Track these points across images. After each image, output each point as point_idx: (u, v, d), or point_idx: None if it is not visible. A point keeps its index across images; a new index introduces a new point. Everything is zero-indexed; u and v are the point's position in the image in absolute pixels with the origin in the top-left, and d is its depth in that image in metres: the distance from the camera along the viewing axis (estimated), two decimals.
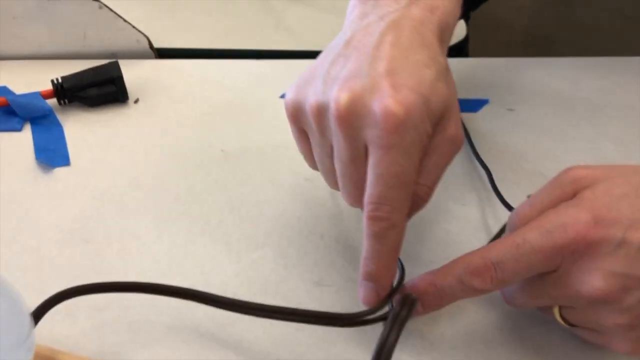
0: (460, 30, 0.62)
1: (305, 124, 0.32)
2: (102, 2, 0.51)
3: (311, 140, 0.32)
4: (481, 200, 0.42)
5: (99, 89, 0.47)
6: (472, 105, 0.51)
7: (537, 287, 0.29)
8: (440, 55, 0.31)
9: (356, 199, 0.31)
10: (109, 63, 0.48)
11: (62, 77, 0.47)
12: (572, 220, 0.27)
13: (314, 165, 0.34)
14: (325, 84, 0.30)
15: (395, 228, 0.29)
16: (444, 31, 0.32)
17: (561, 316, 0.29)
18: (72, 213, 0.39)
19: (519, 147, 0.47)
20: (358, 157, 0.29)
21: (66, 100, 0.47)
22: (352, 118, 0.28)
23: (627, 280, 0.26)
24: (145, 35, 0.54)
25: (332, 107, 0.28)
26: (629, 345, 0.28)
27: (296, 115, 0.32)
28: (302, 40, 0.59)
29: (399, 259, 0.32)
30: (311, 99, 0.30)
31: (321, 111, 0.30)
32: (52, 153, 0.43)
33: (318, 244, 0.37)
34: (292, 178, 0.42)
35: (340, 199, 0.40)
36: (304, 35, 0.60)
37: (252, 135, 0.46)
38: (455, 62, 0.56)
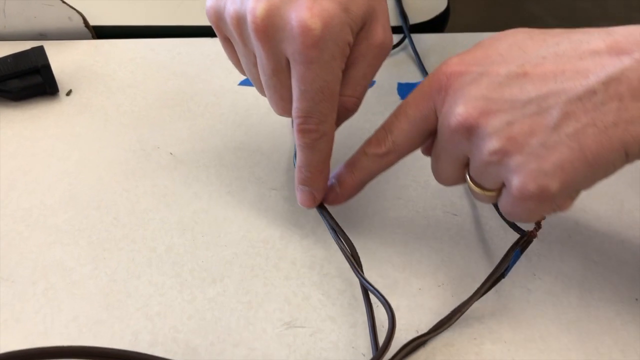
0: (440, 3, 0.55)
1: (228, 32, 0.30)
2: None
3: (236, 49, 0.31)
4: (474, 208, 0.36)
5: (22, 80, 0.40)
6: None
7: (434, 146, 0.30)
8: None
9: (284, 109, 0.31)
10: (34, 48, 0.40)
11: None
12: (437, 70, 0.28)
13: (243, 72, 0.33)
14: None
15: (324, 137, 0.30)
16: None
17: (471, 180, 0.29)
18: None
19: None
20: (280, 70, 0.29)
21: None
22: (270, 30, 0.27)
23: (489, 103, 0.26)
24: (78, 12, 0.46)
25: (249, 18, 0.28)
26: (523, 179, 0.25)
27: (217, 24, 0.31)
28: None
29: (389, 304, 0.27)
30: (229, 7, 0.29)
31: (240, 21, 0.29)
32: None
33: (289, 273, 0.32)
34: (256, 188, 0.36)
35: (314, 215, 0.34)
36: None
37: (207, 134, 0.39)
38: (434, 38, 0.50)
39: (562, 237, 0.34)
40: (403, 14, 0.51)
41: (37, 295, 0.30)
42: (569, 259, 0.33)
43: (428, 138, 0.30)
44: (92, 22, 0.47)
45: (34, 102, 0.40)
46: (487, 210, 0.35)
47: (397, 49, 0.49)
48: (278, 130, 0.40)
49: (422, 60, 0.47)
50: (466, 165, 0.29)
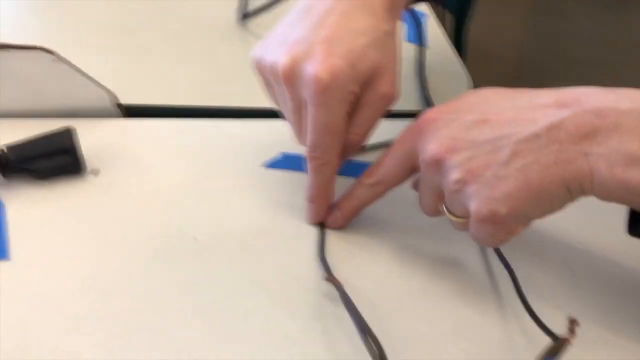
0: (462, 86, 0.56)
1: (267, 76, 0.38)
2: (58, 55, 0.44)
3: (274, 88, 0.38)
4: (502, 306, 0.35)
5: (51, 159, 0.40)
6: None
7: (418, 180, 0.36)
8: (383, 23, 0.37)
9: (301, 140, 0.38)
10: (63, 129, 0.41)
11: (8, 147, 0.39)
12: (419, 117, 0.35)
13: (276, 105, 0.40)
14: (278, 46, 0.36)
15: (327, 164, 0.37)
16: (395, 2, 0.38)
17: (446, 208, 0.34)
18: (5, 324, 0.31)
19: (538, 232, 0.40)
20: (300, 109, 0.37)
21: (10, 173, 0.40)
22: (292, 78, 0.35)
23: (455, 142, 0.32)
24: (110, 91, 0.47)
25: (277, 67, 0.35)
26: (477, 204, 0.31)
27: (259, 70, 0.38)
28: None
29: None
30: (267, 58, 0.37)
31: (274, 70, 0.36)
32: None
33: None
34: (278, 276, 0.35)
35: (338, 309, 0.33)
36: None
37: (232, 218, 0.39)
38: None
39: (593, 337, 0.33)
40: (427, 100, 0.52)
41: None
42: None
43: (411, 173, 0.36)
44: (123, 100, 0.48)
45: (61, 181, 0.41)
46: (512, 309, 0.34)
47: None
48: (302, 215, 0.40)
49: None
50: (442, 196, 0.34)
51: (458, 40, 1.15)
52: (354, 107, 0.37)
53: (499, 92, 0.33)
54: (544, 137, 0.30)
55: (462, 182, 0.31)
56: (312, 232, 0.39)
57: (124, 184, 0.41)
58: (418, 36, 0.58)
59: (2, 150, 0.39)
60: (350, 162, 0.41)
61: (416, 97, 0.54)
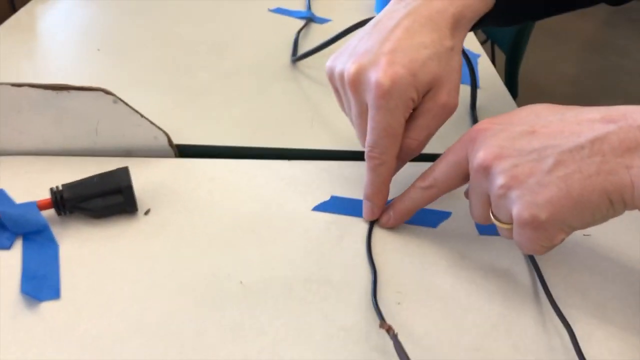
0: None
1: (337, 85, 0.42)
2: (117, 96, 0.45)
3: (342, 96, 0.43)
4: None
5: (105, 199, 0.41)
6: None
7: (469, 188, 0.37)
8: (446, 39, 0.40)
9: (362, 142, 0.41)
10: (118, 170, 0.42)
11: (63, 185, 0.41)
12: (471, 127, 0.37)
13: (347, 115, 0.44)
14: (348, 57, 0.40)
15: (384, 164, 0.40)
16: (459, 20, 0.41)
17: (493, 215, 0.36)
18: None
19: (604, 290, 0.38)
20: (363, 112, 0.40)
21: (66, 212, 0.41)
22: (357, 84, 0.39)
23: (503, 150, 0.33)
24: (164, 132, 0.48)
25: (345, 75, 0.40)
26: (520, 208, 0.32)
27: (330, 78, 0.43)
28: (340, 138, 0.52)
29: None
30: (338, 67, 0.41)
31: (341, 77, 0.41)
32: (40, 282, 0.36)
33: None
34: (324, 327, 0.34)
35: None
36: (342, 131, 0.53)
37: (278, 262, 0.39)
38: None
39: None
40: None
41: None
42: None
43: (462, 180, 0.38)
44: (176, 141, 0.49)
45: (114, 220, 0.41)
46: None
47: None
48: (350, 260, 0.39)
49: None
50: (489, 205, 0.35)
51: (510, 77, 1.13)
52: (414, 114, 0.40)
53: (549, 107, 0.35)
54: (587, 148, 0.31)
55: (507, 187, 0.33)
56: (361, 280, 0.38)
57: (174, 224, 0.41)
58: (471, 77, 0.57)
59: (58, 189, 0.40)
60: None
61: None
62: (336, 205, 0.44)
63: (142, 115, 0.46)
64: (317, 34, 0.73)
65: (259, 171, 0.47)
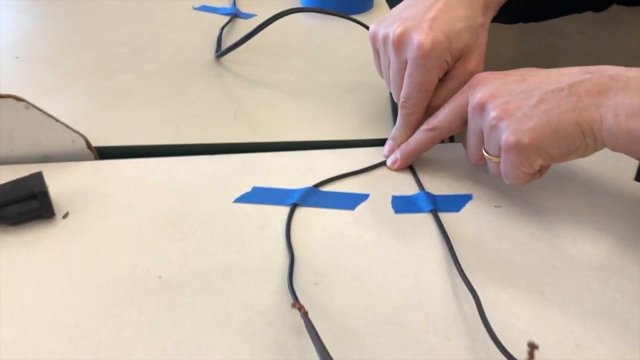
0: None
1: (378, 46, 0.49)
2: (28, 102, 0.45)
3: (380, 56, 0.49)
4: (470, 331, 0.35)
5: (20, 205, 0.40)
6: (454, 202, 0.45)
7: (467, 131, 0.44)
8: (478, 16, 0.46)
9: (397, 96, 0.48)
10: (32, 175, 0.41)
11: None
12: (472, 78, 0.44)
13: (381, 75, 0.51)
14: (393, 21, 0.46)
15: (413, 115, 0.47)
16: (489, 3, 0.47)
17: (485, 151, 0.42)
18: None
19: (511, 256, 0.40)
20: (401, 69, 0.46)
21: None
22: (401, 44, 0.45)
23: (497, 91, 0.40)
24: (81, 135, 0.47)
25: (390, 36, 0.46)
26: (507, 133, 0.39)
27: (373, 40, 0.49)
28: (262, 131, 0.53)
29: None
30: (382, 30, 0.47)
31: (385, 39, 0.47)
32: None
33: None
34: (242, 313, 0.35)
35: (303, 342, 0.33)
36: (265, 124, 0.54)
37: (197, 256, 0.39)
38: (432, 151, 0.50)
39: None
40: None
41: None
42: None
43: (462, 122, 0.44)
44: (95, 143, 0.48)
45: (31, 226, 0.41)
46: (481, 334, 0.34)
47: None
48: (270, 248, 0.40)
49: (417, 172, 0.47)
50: (482, 143, 0.42)
51: None
52: (445, 77, 0.47)
53: (540, 68, 0.42)
54: (566, 90, 0.38)
55: (498, 119, 0.39)
56: (280, 265, 0.39)
57: (93, 226, 0.41)
58: None
59: None
60: (332, 194, 0.42)
61: (390, 125, 0.54)
62: (257, 196, 0.45)
63: (57, 120, 0.46)
64: (243, 30, 0.73)
65: (180, 167, 0.48)
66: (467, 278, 0.37)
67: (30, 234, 0.41)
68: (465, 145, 0.45)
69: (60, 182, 0.45)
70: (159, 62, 0.65)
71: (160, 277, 0.37)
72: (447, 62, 0.45)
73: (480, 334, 0.34)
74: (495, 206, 0.44)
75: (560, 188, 0.47)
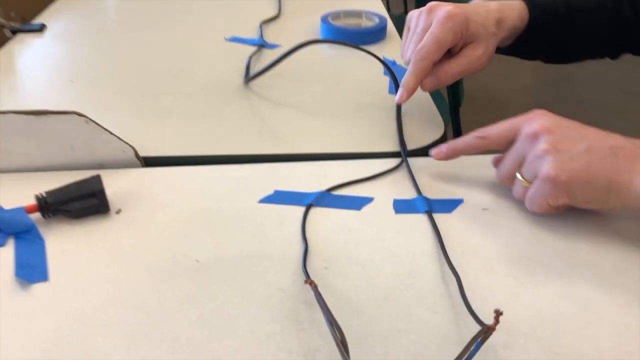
0: (437, 132, 0.64)
1: (412, 22, 0.62)
2: (88, 117, 0.54)
3: (409, 32, 0.62)
4: (454, 307, 0.42)
5: (82, 202, 0.49)
6: (446, 205, 0.52)
7: (509, 150, 0.50)
8: (491, 25, 0.60)
9: (407, 58, 0.60)
10: (92, 177, 0.50)
11: (47, 192, 0.49)
12: (530, 112, 0.50)
13: (403, 56, 0.63)
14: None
15: (424, 61, 0.57)
16: (500, 22, 0.61)
17: (520, 174, 0.48)
18: (45, 331, 0.39)
19: (492, 249, 0.47)
20: (426, 28, 0.58)
21: (50, 214, 0.49)
22: (433, 9, 0.58)
23: (552, 128, 0.46)
24: (131, 146, 0.56)
25: (426, 6, 0.60)
26: (550, 166, 0.45)
27: (409, 20, 0.62)
28: (283, 144, 0.61)
29: None
30: (418, 11, 0.61)
31: (421, 12, 0.60)
32: (31, 269, 0.44)
33: (286, 359, 0.38)
34: (264, 290, 0.43)
35: (313, 313, 0.40)
36: (285, 138, 0.62)
37: (227, 244, 0.47)
38: (428, 161, 0.57)
39: (528, 332, 0.39)
40: (402, 143, 0.60)
41: None
42: (533, 351, 0.38)
43: (507, 143, 0.50)
44: (142, 153, 0.57)
45: (90, 219, 0.50)
46: (461, 309, 0.41)
47: (395, 170, 0.56)
48: (287, 239, 0.48)
49: (416, 180, 0.55)
50: (520, 165, 0.48)
51: (452, 87, 1.24)
52: (458, 53, 0.59)
53: (591, 127, 0.48)
54: (608, 149, 0.45)
55: (547, 151, 0.45)
56: (296, 253, 0.46)
57: (141, 220, 0.50)
58: (397, 88, 0.67)
59: (42, 195, 0.49)
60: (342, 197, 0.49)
61: (395, 140, 0.62)
62: (278, 197, 0.53)
63: (111, 133, 0.55)
64: (268, 58, 0.82)
65: (213, 174, 0.56)
66: (452, 264, 0.44)
67: (89, 226, 0.49)
68: (496, 164, 0.52)
69: (113, 184, 0.53)
70: (195, 86, 0.74)
71: (197, 260, 0.45)
72: (461, 34, 0.57)
73: (461, 309, 0.41)
74: (482, 209, 0.51)
75: None
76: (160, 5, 1.05)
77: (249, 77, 0.74)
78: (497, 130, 0.51)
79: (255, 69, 0.77)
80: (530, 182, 0.47)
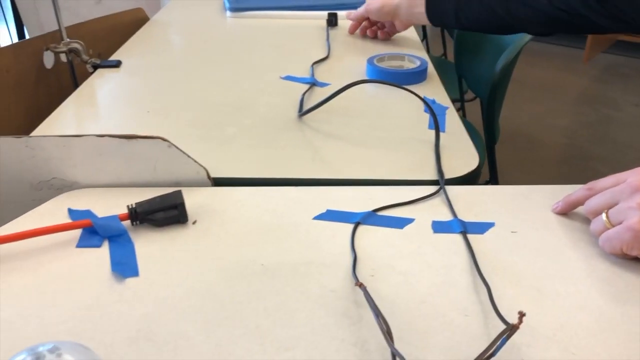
0: (473, 160, 0.71)
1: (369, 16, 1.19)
2: (170, 142, 0.63)
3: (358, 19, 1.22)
4: (484, 312, 0.48)
5: (165, 212, 0.58)
6: (479, 227, 0.59)
7: (606, 192, 0.53)
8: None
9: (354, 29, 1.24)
10: (174, 192, 0.59)
11: (136, 203, 0.58)
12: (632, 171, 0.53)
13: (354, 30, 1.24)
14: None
15: (354, 21, 1.24)
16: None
17: (606, 215, 0.51)
18: (139, 316, 0.47)
19: (519, 265, 0.53)
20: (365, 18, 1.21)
21: (137, 222, 0.57)
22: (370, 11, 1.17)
23: None
24: (204, 168, 0.65)
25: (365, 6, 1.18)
26: (638, 221, 0.48)
27: (367, 13, 1.19)
28: (334, 170, 0.69)
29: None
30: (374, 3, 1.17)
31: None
32: (124, 266, 0.52)
33: (338, 347, 0.45)
34: (319, 290, 0.50)
35: (361, 311, 0.47)
36: (336, 165, 0.70)
37: (287, 252, 0.55)
38: (464, 189, 0.64)
39: (548, 335, 0.46)
40: (440, 172, 0.67)
41: (168, 352, 0.44)
42: (552, 351, 0.44)
43: (610, 197, 0.52)
44: (212, 175, 0.66)
45: (171, 228, 0.58)
46: (490, 314, 0.47)
47: (434, 196, 0.64)
48: (338, 250, 0.55)
49: (452, 205, 0.62)
50: (609, 207, 0.51)
51: (488, 125, 1.30)
52: (391, 23, 1.16)
53: None
54: None
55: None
56: (346, 262, 0.53)
57: (213, 231, 0.58)
58: (435, 122, 0.75)
59: (132, 206, 0.57)
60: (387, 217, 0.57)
61: (433, 170, 0.69)
62: (330, 215, 0.60)
63: (188, 156, 0.64)
64: (319, 95, 0.91)
65: (273, 194, 0.64)
66: (483, 276, 0.51)
67: (171, 233, 0.58)
68: (577, 199, 0.57)
69: (189, 200, 0.62)
70: (255, 118, 0.83)
71: (262, 264, 0.53)
72: (390, 13, 1.12)
73: (490, 314, 0.47)
74: (511, 232, 0.58)
75: (567, 223, 0.60)
76: (222, 46, 1.16)
77: (302, 112, 0.83)
78: (603, 182, 0.54)
79: (307, 104, 0.86)
80: (612, 225, 0.51)
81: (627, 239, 0.49)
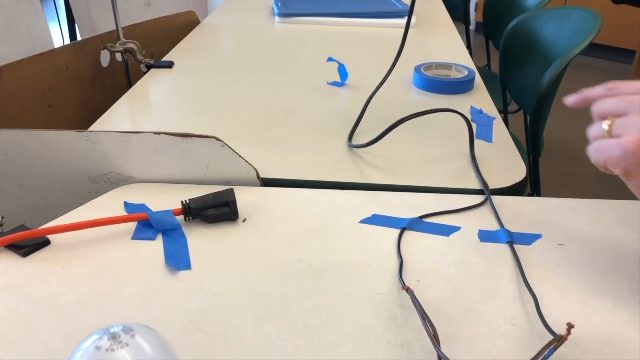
0: (520, 172, 0.71)
1: None
2: (223, 142, 0.65)
3: None
4: (530, 322, 0.48)
5: (217, 210, 0.59)
6: (526, 238, 0.59)
7: (623, 98, 0.46)
8: None
9: None
10: (226, 190, 0.60)
11: (190, 200, 0.60)
12: None
13: None
14: None
15: None
16: None
17: (608, 125, 0.45)
18: (191, 307, 0.49)
19: (566, 277, 0.53)
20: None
21: (190, 218, 0.59)
22: None
23: None
24: (254, 168, 0.67)
25: None
26: (636, 139, 0.42)
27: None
28: (379, 176, 0.70)
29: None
30: None
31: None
32: (178, 259, 0.54)
33: (385, 348, 0.45)
34: (366, 292, 0.51)
35: (407, 314, 0.48)
36: (380, 172, 0.71)
37: (334, 253, 0.56)
38: (513, 201, 0.64)
39: (596, 349, 0.45)
40: (483, 181, 0.67)
41: (219, 343, 0.46)
42: None
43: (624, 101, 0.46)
44: (262, 175, 0.67)
45: (222, 225, 0.60)
46: (537, 324, 0.47)
47: (480, 205, 0.64)
48: (385, 255, 0.56)
49: (499, 215, 0.62)
50: (615, 116, 0.45)
51: (534, 137, 1.29)
52: None
53: None
54: None
55: None
56: (393, 266, 0.54)
57: (262, 229, 0.59)
58: (484, 134, 0.75)
59: (187, 202, 0.59)
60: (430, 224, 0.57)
61: (476, 180, 0.69)
62: (377, 220, 0.61)
63: (240, 156, 0.66)
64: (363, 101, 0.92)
65: (320, 197, 0.65)
66: (530, 286, 0.51)
67: (222, 230, 0.59)
68: (594, 96, 0.49)
69: (239, 198, 0.64)
70: (302, 122, 0.85)
71: (310, 264, 0.54)
72: None
73: (537, 325, 0.48)
74: (559, 244, 0.58)
75: (612, 236, 0.59)
76: (271, 51, 1.19)
77: (354, 145, 0.84)
78: (628, 86, 0.47)
79: (351, 110, 0.87)
80: (610, 136, 0.45)
81: (615, 156, 0.44)
